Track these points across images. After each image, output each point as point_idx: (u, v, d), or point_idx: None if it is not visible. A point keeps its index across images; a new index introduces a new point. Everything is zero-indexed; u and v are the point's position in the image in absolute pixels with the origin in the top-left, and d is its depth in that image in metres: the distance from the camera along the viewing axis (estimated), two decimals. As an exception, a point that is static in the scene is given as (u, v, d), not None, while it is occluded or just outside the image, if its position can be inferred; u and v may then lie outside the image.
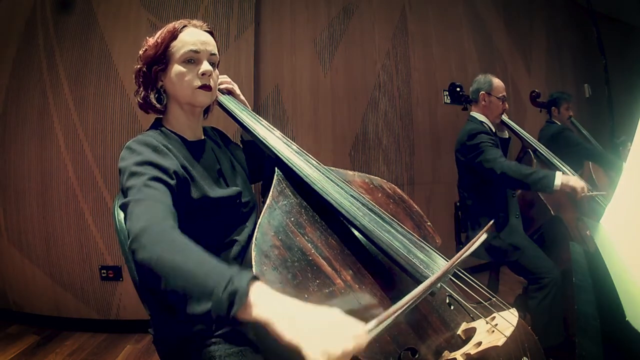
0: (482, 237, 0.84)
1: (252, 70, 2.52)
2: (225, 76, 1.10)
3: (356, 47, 2.90)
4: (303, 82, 2.75)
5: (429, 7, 3.19)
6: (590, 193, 1.72)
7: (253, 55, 2.53)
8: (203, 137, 1.02)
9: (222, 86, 1.09)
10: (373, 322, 0.57)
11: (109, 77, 2.33)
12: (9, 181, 2.36)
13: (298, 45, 2.74)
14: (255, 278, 0.59)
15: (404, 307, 0.61)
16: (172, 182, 0.82)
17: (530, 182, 1.68)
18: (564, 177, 1.67)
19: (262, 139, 1.00)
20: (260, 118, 1.05)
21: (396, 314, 0.60)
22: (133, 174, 0.79)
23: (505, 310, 0.90)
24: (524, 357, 0.82)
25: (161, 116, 0.99)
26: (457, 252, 0.84)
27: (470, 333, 0.87)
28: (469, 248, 0.80)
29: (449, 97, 3.13)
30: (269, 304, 0.56)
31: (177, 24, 0.93)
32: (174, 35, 0.92)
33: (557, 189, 1.65)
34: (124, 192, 0.79)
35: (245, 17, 2.53)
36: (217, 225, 0.93)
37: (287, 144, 0.99)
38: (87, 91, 2.33)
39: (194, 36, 0.93)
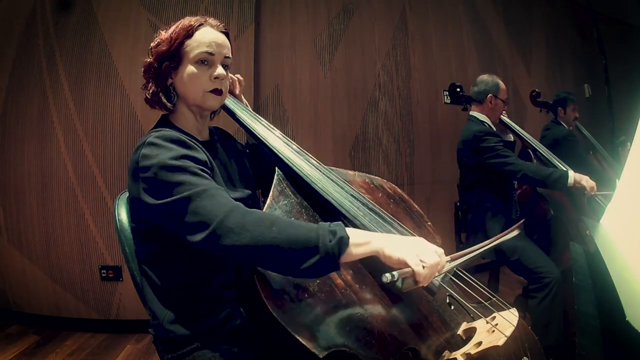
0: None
1: (252, 70, 2.52)
2: None
3: (356, 47, 2.90)
4: (303, 82, 2.74)
5: (429, 7, 3.19)
6: (597, 193, 1.84)
7: (253, 55, 2.53)
8: (209, 138, 1.00)
9: None
10: (447, 257, 0.76)
11: (109, 77, 2.33)
12: (9, 181, 2.35)
13: (298, 45, 2.74)
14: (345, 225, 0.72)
15: (473, 254, 0.79)
16: (210, 173, 0.82)
17: (550, 182, 1.81)
18: (577, 176, 1.81)
19: (262, 139, 0.99)
20: (260, 117, 1.04)
21: (465, 258, 0.78)
22: (176, 169, 0.75)
23: (505, 310, 0.90)
24: (524, 357, 0.82)
25: (167, 113, 0.96)
26: (458, 251, 0.84)
27: (470, 333, 0.87)
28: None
29: (449, 97, 3.13)
30: (371, 239, 0.72)
31: (193, 20, 0.91)
32: (189, 33, 0.89)
33: (570, 187, 1.81)
34: (166, 188, 0.74)
35: (245, 17, 2.53)
36: None
37: (287, 144, 0.99)
38: (87, 91, 2.33)
39: (209, 37, 0.89)
